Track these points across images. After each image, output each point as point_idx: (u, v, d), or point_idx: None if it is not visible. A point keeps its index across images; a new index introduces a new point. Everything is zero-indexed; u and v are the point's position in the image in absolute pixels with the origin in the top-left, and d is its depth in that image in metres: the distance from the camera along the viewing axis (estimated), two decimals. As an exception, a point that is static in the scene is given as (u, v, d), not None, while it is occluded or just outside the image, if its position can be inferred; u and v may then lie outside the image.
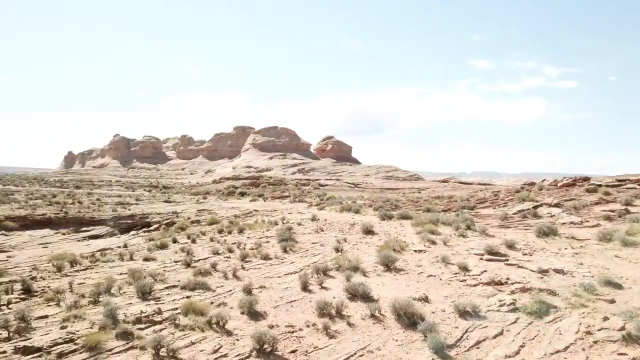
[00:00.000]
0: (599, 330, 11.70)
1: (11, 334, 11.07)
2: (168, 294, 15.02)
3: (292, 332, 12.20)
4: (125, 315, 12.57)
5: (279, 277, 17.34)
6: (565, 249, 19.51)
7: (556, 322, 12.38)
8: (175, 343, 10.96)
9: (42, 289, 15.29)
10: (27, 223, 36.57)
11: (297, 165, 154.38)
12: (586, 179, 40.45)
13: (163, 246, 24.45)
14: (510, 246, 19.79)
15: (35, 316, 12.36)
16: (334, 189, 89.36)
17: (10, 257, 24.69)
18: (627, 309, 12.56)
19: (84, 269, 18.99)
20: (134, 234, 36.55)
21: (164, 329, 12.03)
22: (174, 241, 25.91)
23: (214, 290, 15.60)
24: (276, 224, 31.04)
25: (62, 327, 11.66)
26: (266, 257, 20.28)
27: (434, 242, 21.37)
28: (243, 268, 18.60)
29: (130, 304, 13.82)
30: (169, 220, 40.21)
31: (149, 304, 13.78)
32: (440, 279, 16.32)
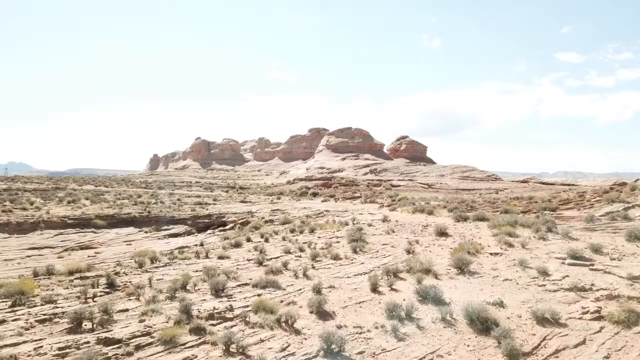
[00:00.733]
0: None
1: (95, 325, 11.82)
2: (240, 292, 15.40)
3: (360, 333, 12.09)
4: (199, 311, 13.02)
5: (348, 277, 17.29)
6: (660, 254, 17.95)
7: (647, 333, 11.40)
8: (245, 340, 11.21)
9: (124, 284, 16.18)
10: (114, 221, 39.01)
11: (370, 165, 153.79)
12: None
13: (237, 245, 25.16)
14: (596, 250, 18.49)
15: (117, 309, 13.10)
16: (406, 190, 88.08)
17: (97, 253, 26.46)
18: None
19: (163, 266, 19.93)
20: (210, 233, 37.94)
21: (234, 325, 12.34)
22: (248, 240, 26.60)
23: (284, 289, 15.81)
24: (347, 224, 31.05)
25: (141, 321, 12.28)
26: (336, 257, 20.32)
27: (511, 245, 20.43)
28: (313, 267, 18.74)
29: (204, 300, 14.31)
30: (243, 220, 41.36)
31: (222, 301, 14.19)
32: (517, 284, 15.55)
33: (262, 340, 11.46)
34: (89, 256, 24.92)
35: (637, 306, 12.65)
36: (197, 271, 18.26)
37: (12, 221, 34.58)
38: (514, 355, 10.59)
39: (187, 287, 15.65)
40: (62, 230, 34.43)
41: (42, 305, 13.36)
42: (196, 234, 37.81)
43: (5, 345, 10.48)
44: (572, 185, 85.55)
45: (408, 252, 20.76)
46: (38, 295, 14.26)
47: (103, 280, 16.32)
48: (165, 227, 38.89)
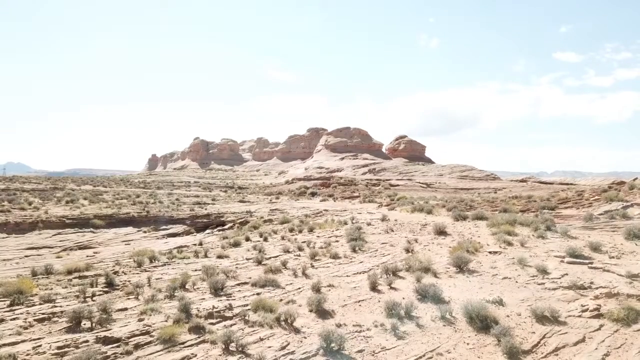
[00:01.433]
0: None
1: (94, 324, 11.79)
2: (239, 291, 15.38)
3: (360, 331, 12.08)
4: (198, 310, 13.01)
5: (347, 276, 17.27)
6: (659, 252, 17.96)
7: (647, 330, 11.40)
8: (244, 339, 11.20)
9: (123, 283, 16.16)
10: (113, 221, 38.96)
11: (368, 165, 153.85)
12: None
13: (236, 244, 25.15)
14: (595, 249, 18.50)
15: (116, 308, 13.07)
16: (405, 189, 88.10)
17: (96, 252, 26.43)
18: None
19: (162, 265, 19.91)
20: (209, 233, 37.94)
21: (234, 324, 12.32)
22: (247, 239, 26.59)
23: (284, 288, 15.80)
24: (345, 223, 31.04)
25: (140, 320, 12.26)
26: (335, 256, 20.31)
27: (510, 244, 20.43)
28: (312, 266, 18.73)
29: (203, 299, 14.28)
30: (242, 220, 41.36)
31: (221, 300, 14.17)
32: (516, 282, 15.55)
33: (261, 339, 11.45)
34: (87, 256, 24.89)
35: (636, 304, 12.65)
36: (196, 270, 18.24)
37: (11, 221, 34.51)
38: (514, 353, 10.59)
39: (186, 286, 15.63)
40: (60, 230, 34.37)
41: (40, 304, 13.33)
42: (195, 233, 37.80)
43: (4, 345, 10.45)
44: (571, 184, 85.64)
45: (407, 251, 20.75)
46: (37, 294, 14.23)
47: (102, 280, 16.30)
48: (164, 227, 38.87)
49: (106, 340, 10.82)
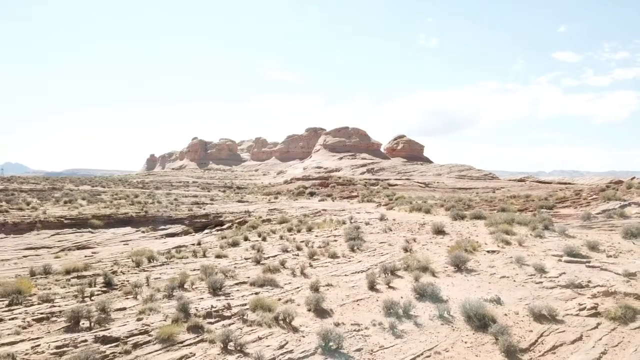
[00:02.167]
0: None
1: (92, 324, 11.80)
2: (238, 290, 15.40)
3: (358, 330, 12.09)
4: (197, 310, 13.02)
5: (345, 275, 17.29)
6: (656, 251, 18.01)
7: (644, 329, 11.45)
8: (242, 338, 11.20)
9: (122, 283, 16.18)
10: (111, 221, 38.98)
11: (367, 165, 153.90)
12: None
13: (235, 244, 25.17)
14: (593, 247, 18.54)
15: (115, 308, 13.07)
16: (403, 189, 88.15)
17: (95, 252, 26.43)
18: None
19: (160, 265, 19.93)
20: (207, 232, 37.94)
21: (232, 323, 12.33)
22: (245, 239, 26.61)
23: (282, 287, 15.81)
24: (344, 223, 31.08)
25: (138, 319, 12.27)
26: (334, 256, 20.33)
27: (508, 243, 20.48)
28: (311, 266, 18.75)
29: (202, 298, 14.30)
30: (241, 219, 41.37)
31: (219, 299, 14.19)
32: (514, 281, 15.59)
33: (260, 338, 11.46)
34: (85, 256, 24.89)
35: (634, 302, 12.69)
36: (194, 270, 18.26)
37: (9, 221, 34.49)
38: (511, 351, 10.62)
39: (185, 286, 15.64)
40: (58, 230, 34.37)
41: (39, 304, 13.35)
42: (193, 233, 37.81)
43: (3, 344, 10.45)
44: (569, 183, 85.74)
45: (405, 250, 20.78)
46: (35, 294, 14.25)
47: (100, 279, 16.31)
48: (163, 227, 38.88)
49: (105, 340, 10.83)
